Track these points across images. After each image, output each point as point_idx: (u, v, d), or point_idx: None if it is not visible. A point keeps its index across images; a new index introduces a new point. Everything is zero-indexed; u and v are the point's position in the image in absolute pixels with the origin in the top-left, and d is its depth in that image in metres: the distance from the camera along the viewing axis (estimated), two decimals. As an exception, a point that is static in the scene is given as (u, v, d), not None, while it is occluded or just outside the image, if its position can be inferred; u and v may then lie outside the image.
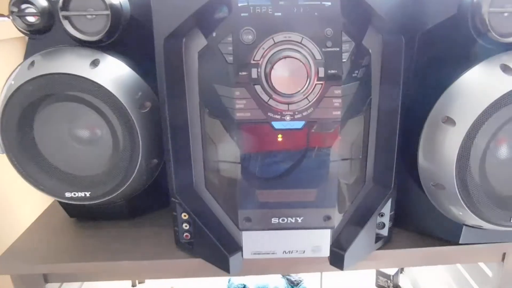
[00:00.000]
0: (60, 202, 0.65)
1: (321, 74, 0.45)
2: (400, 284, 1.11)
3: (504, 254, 0.62)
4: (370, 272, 1.13)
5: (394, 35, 0.50)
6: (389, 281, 1.09)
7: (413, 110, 0.54)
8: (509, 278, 0.64)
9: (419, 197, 0.58)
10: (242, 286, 1.05)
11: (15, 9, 0.55)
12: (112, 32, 0.56)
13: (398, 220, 0.61)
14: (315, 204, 0.50)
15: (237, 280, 1.06)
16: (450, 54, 0.53)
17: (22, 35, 0.59)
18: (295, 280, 1.08)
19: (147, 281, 1.14)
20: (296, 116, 0.46)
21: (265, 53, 0.44)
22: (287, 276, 1.09)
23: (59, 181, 0.58)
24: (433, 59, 0.55)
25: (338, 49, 0.44)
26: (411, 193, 0.59)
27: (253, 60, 0.44)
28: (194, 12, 0.45)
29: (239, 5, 0.45)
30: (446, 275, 0.86)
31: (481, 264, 0.71)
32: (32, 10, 0.55)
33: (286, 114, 0.46)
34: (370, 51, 0.49)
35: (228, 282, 1.08)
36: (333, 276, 1.13)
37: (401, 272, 1.15)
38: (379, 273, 1.10)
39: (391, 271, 1.09)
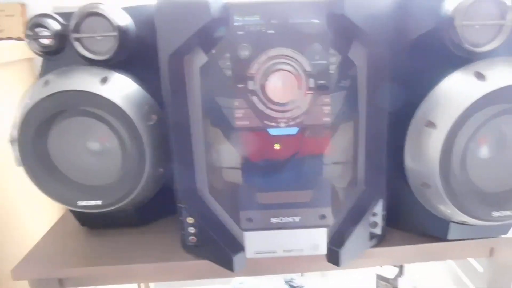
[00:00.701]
0: (72, 212, 0.69)
1: (311, 84, 0.49)
2: (400, 287, 1.14)
3: (491, 249, 0.66)
4: (370, 276, 1.17)
5: (378, 48, 0.54)
6: (388, 285, 1.12)
7: (399, 115, 0.58)
8: (498, 272, 0.68)
9: (408, 196, 0.62)
10: (246, 293, 1.08)
11: (31, 33, 0.60)
12: (120, 52, 0.61)
13: (391, 219, 0.65)
14: (311, 204, 0.54)
15: (241, 287, 1.09)
16: (431, 63, 0.58)
17: (30, 56, 0.64)
18: (297, 286, 1.11)
19: (151, 286, 1.17)
20: (290, 123, 0.51)
21: (260, 67, 0.49)
22: (289, 282, 1.13)
23: (72, 190, 0.62)
24: (416, 69, 0.59)
25: (325, 62, 0.49)
26: (401, 193, 0.63)
27: (250, 73, 0.49)
28: (195, 32, 0.50)
29: (235, 24, 0.50)
30: (443, 278, 0.90)
31: (473, 262, 0.75)
32: (46, 33, 0.60)
33: (281, 121, 0.51)
34: (355, 63, 0.54)
35: (232, 289, 1.11)
36: (334, 280, 1.17)
37: (400, 276, 1.18)
38: (379, 277, 1.14)
39: (390, 274, 1.12)
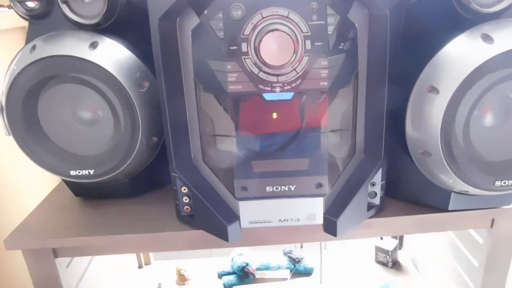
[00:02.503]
0: (65, 182, 0.68)
1: (308, 46, 0.47)
2: (399, 259, 1.14)
3: (493, 220, 0.65)
4: (369, 248, 1.16)
5: (379, 9, 0.51)
6: (388, 257, 1.12)
7: (401, 81, 0.56)
8: (498, 243, 0.66)
9: (409, 166, 0.61)
10: (245, 264, 1.08)
11: (16, -5, 0.58)
12: (109, 15, 0.58)
13: (390, 189, 0.64)
14: (307, 172, 0.53)
15: (240, 259, 1.09)
16: (435, 26, 0.55)
17: (22, 24, 0.61)
18: (296, 258, 1.11)
19: (153, 262, 1.18)
20: (285, 88, 0.48)
21: (254, 28, 0.46)
22: (288, 254, 1.13)
23: (63, 160, 0.61)
24: (419, 32, 0.56)
25: (323, 22, 0.46)
26: (401, 163, 0.61)
27: (243, 34, 0.47)
28: (186, -9, 0.47)
29: (229, -17, 0.47)
30: (442, 250, 0.89)
31: (473, 233, 0.73)
32: (31, -5, 0.58)
33: (276, 86, 0.48)
34: (356, 24, 0.51)
35: (232, 261, 1.11)
36: (333, 253, 1.17)
37: (400, 248, 1.18)
38: (378, 249, 1.13)
39: (390, 246, 1.12)
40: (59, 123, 0.61)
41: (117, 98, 0.58)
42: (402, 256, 1.15)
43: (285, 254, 1.13)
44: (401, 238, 1.18)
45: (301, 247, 1.18)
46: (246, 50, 0.47)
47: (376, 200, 0.61)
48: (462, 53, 0.51)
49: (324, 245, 1.12)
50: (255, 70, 0.47)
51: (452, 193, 0.61)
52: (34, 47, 0.57)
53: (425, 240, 1.05)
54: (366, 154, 0.59)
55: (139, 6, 0.59)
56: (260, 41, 0.45)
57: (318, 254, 1.06)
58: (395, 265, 1.13)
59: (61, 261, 0.64)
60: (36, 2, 0.58)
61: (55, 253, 0.62)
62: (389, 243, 1.13)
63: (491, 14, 0.52)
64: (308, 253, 1.12)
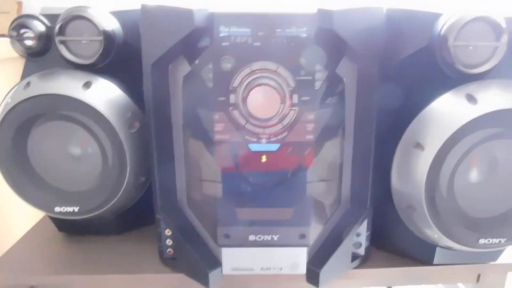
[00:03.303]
0: (50, 217, 0.68)
1: (295, 100, 0.48)
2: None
3: (478, 275, 0.64)
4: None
5: (368, 65, 0.53)
6: (376, 302, 1.10)
7: (388, 135, 0.57)
8: (484, 299, 0.66)
9: (394, 218, 0.61)
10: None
11: (14, 33, 0.59)
12: (105, 56, 0.60)
13: (376, 240, 0.63)
14: (291, 222, 0.53)
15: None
16: (422, 83, 0.57)
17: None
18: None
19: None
20: (271, 139, 0.49)
21: (242, 80, 0.47)
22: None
23: (49, 195, 0.61)
24: (406, 87, 0.57)
25: (311, 77, 0.48)
26: (387, 214, 0.61)
27: (232, 86, 0.48)
28: (178, 41, 0.49)
29: (221, 35, 0.49)
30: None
31: (461, 285, 0.73)
32: (30, 34, 0.59)
33: (262, 137, 0.49)
34: (344, 79, 0.52)
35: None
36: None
37: (389, 293, 1.16)
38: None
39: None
40: (48, 159, 0.61)
41: (106, 137, 0.58)
42: (390, 302, 1.13)
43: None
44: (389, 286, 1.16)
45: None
46: (234, 102, 0.48)
47: (361, 251, 0.61)
48: (447, 112, 0.52)
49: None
50: (242, 122, 0.48)
51: (437, 248, 0.60)
52: (28, 84, 0.58)
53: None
54: (352, 204, 0.59)
55: (135, 47, 0.60)
56: (248, 94, 0.46)
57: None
58: (384, 311, 1.11)
59: (38, 299, 0.63)
60: (34, 41, 0.59)
61: (33, 290, 0.61)
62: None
63: (476, 74, 0.53)
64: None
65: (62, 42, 0.58)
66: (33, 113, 0.58)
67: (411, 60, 0.56)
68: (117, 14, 0.61)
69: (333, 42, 0.50)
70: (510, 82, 0.53)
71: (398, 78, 0.57)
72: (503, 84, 0.52)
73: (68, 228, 0.70)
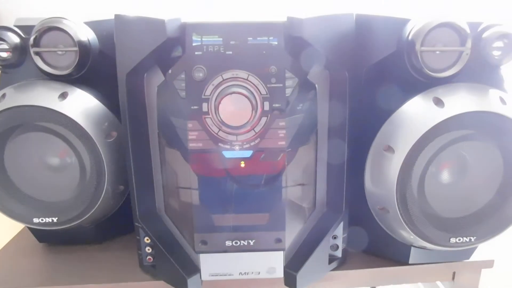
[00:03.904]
0: (29, 228, 0.67)
1: (266, 107, 0.49)
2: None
3: (454, 273, 0.66)
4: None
5: (338, 71, 0.54)
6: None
7: (361, 139, 0.58)
8: (460, 296, 0.67)
9: (370, 220, 0.62)
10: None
11: (-12, 46, 0.59)
12: (81, 67, 0.60)
13: (353, 242, 0.65)
14: (266, 227, 0.54)
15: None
16: (392, 87, 0.58)
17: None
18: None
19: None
20: (244, 146, 0.50)
21: (214, 89, 0.48)
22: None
23: (27, 207, 0.61)
24: (377, 92, 0.59)
25: (281, 85, 0.49)
26: (363, 216, 0.63)
27: (204, 95, 0.49)
28: (151, 51, 0.49)
29: (193, 44, 0.50)
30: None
31: (438, 282, 0.74)
32: (4, 46, 0.59)
33: (235, 144, 0.50)
34: (316, 85, 0.54)
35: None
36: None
37: (373, 293, 1.17)
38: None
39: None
40: (25, 170, 0.61)
41: (84, 147, 0.59)
42: (375, 302, 1.15)
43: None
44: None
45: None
46: (206, 110, 0.49)
47: (338, 253, 0.62)
48: (415, 115, 0.53)
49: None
50: (215, 129, 0.49)
51: (412, 247, 0.62)
52: (4, 96, 0.58)
53: (397, 286, 1.05)
54: (327, 207, 0.60)
55: (111, 57, 0.61)
56: (220, 102, 0.47)
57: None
58: (368, 311, 1.12)
59: (19, 311, 0.62)
60: (9, 53, 0.59)
61: (13, 303, 0.61)
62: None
63: (443, 78, 0.55)
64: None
65: (37, 53, 0.58)
66: (10, 124, 0.58)
67: (381, 65, 0.58)
68: (92, 25, 0.61)
69: (304, 49, 0.51)
70: (476, 85, 0.55)
71: (369, 83, 0.59)
72: (469, 88, 0.54)
73: (48, 238, 0.69)
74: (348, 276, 0.63)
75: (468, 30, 0.52)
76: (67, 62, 0.59)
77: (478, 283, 0.67)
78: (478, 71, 0.56)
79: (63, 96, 0.58)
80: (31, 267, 0.64)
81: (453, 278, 0.66)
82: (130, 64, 0.52)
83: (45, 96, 0.58)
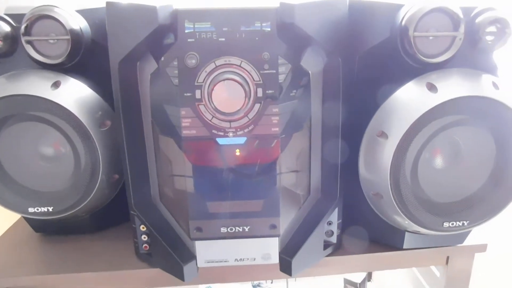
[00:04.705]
0: (25, 217, 0.68)
1: (259, 94, 0.49)
2: (368, 291, 1.15)
3: (447, 258, 0.67)
4: (337, 281, 1.17)
5: (332, 57, 0.54)
6: (356, 289, 1.13)
7: (355, 125, 0.58)
8: (453, 279, 0.68)
9: (364, 205, 0.62)
10: (213, 297, 1.07)
11: (-21, 35, 0.58)
12: (73, 56, 0.59)
13: (348, 228, 0.65)
14: (261, 214, 0.54)
15: (208, 292, 1.09)
16: (386, 73, 0.58)
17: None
18: (265, 290, 1.11)
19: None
20: (238, 133, 0.50)
21: (207, 76, 0.48)
22: (257, 287, 1.12)
23: (22, 197, 0.61)
24: (371, 78, 0.59)
25: (274, 71, 0.49)
26: (357, 202, 0.63)
27: (197, 82, 0.49)
28: (143, 38, 0.49)
29: (186, 31, 0.49)
30: (406, 282, 0.90)
31: (432, 267, 0.75)
32: (-5, 35, 0.58)
33: (229, 131, 0.50)
34: (309, 72, 0.54)
35: (200, 294, 1.10)
36: (302, 285, 1.17)
37: (368, 280, 1.18)
38: (347, 282, 1.14)
39: (358, 279, 1.13)
40: (19, 160, 0.61)
41: (78, 137, 0.59)
42: (370, 288, 1.16)
43: (253, 286, 1.13)
44: (369, 271, 1.19)
45: (272, 281, 1.18)
46: (199, 97, 0.49)
47: (333, 239, 0.62)
48: (409, 101, 0.54)
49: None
50: (209, 116, 0.49)
51: (406, 233, 0.62)
52: (-4, 85, 0.58)
53: (392, 272, 1.06)
54: (322, 193, 0.60)
55: (104, 46, 0.60)
56: (213, 89, 0.47)
57: (286, 286, 1.06)
58: (364, 298, 1.13)
59: (16, 300, 0.63)
60: (0, 42, 0.59)
61: (10, 292, 0.61)
62: (357, 276, 1.13)
63: (436, 64, 0.55)
64: (277, 286, 1.12)
65: (29, 42, 0.58)
66: (2, 114, 0.57)
67: (374, 51, 0.58)
68: (84, 13, 0.61)
69: (296, 35, 0.51)
70: (469, 70, 0.55)
71: (363, 69, 0.59)
72: (462, 72, 0.54)
73: (44, 228, 0.70)
74: (343, 261, 0.64)
75: (461, 15, 0.52)
76: (59, 51, 0.59)
77: (471, 267, 0.67)
78: (471, 57, 0.56)
79: (56, 85, 0.58)
80: (27, 256, 0.65)
81: (447, 262, 0.67)
82: (123, 52, 0.51)
83: (37, 85, 0.58)
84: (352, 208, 0.64)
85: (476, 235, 0.66)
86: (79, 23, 0.59)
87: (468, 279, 0.68)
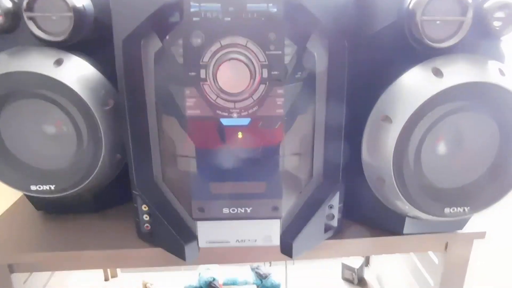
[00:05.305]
0: (27, 196, 0.68)
1: (265, 75, 0.48)
2: (365, 276, 1.16)
3: (446, 244, 0.67)
4: (336, 265, 1.18)
5: (338, 40, 0.53)
6: (354, 274, 1.14)
7: (359, 109, 0.58)
8: (452, 266, 0.69)
9: (365, 190, 0.62)
10: (212, 279, 1.08)
11: (-20, 10, 0.58)
12: (76, 33, 0.59)
13: (349, 212, 0.65)
14: (263, 195, 0.54)
15: (207, 273, 1.09)
16: (391, 57, 0.58)
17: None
18: (263, 274, 1.12)
19: (119, 274, 1.17)
20: (242, 114, 0.50)
21: (212, 55, 0.48)
22: (256, 270, 1.13)
23: (24, 174, 0.61)
24: (376, 62, 0.59)
25: (280, 52, 0.48)
26: (359, 186, 0.63)
27: (202, 61, 0.48)
28: (150, 15, 0.48)
29: (192, 10, 0.49)
30: (404, 268, 0.91)
31: (430, 253, 0.76)
32: (-4, 10, 0.58)
33: (233, 112, 0.50)
34: (315, 54, 0.53)
35: (199, 275, 1.11)
36: (300, 269, 1.18)
37: (366, 265, 1.20)
38: (345, 266, 1.15)
39: (356, 264, 1.14)
40: (21, 137, 0.61)
41: (80, 115, 0.58)
42: (368, 274, 1.17)
43: (252, 269, 1.13)
44: (367, 256, 1.20)
45: (270, 263, 1.19)
46: (204, 77, 0.48)
47: (334, 222, 0.63)
48: (414, 85, 0.53)
49: (291, 261, 1.12)
50: (213, 96, 0.49)
51: (407, 218, 0.63)
52: (-3, 62, 0.57)
53: (389, 258, 1.07)
54: (324, 177, 0.61)
55: (106, 24, 0.59)
56: (218, 68, 0.47)
57: (285, 269, 1.07)
58: (361, 282, 1.15)
59: (18, 277, 0.63)
60: (1, 17, 0.58)
61: (11, 268, 0.61)
62: (355, 261, 1.14)
63: (443, 49, 0.54)
64: (276, 269, 1.13)
65: (31, 18, 0.57)
66: (4, 91, 0.57)
67: (380, 35, 0.57)
68: (87, -10, 0.60)
69: (303, 16, 0.50)
70: (475, 56, 0.54)
71: (368, 53, 0.58)
72: (468, 58, 0.54)
73: (46, 207, 0.70)
74: (343, 245, 0.64)
75: (469, 0, 0.52)
76: (61, 28, 0.58)
77: (470, 253, 0.68)
78: (478, 42, 0.55)
79: (58, 62, 0.57)
80: (29, 234, 0.65)
81: (446, 248, 0.67)
82: (127, 30, 0.51)
83: (39, 62, 0.57)
84: (353, 191, 0.64)
85: (475, 222, 0.66)
86: (82, 1, 0.58)
87: (466, 265, 0.69)
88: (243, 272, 1.13)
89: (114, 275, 1.15)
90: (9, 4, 0.58)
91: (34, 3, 0.57)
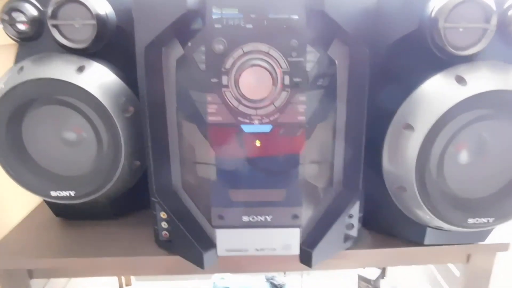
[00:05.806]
0: (46, 202, 0.68)
1: (287, 82, 0.48)
2: (381, 289, 1.14)
3: (468, 255, 0.66)
4: (352, 277, 1.16)
5: (359, 47, 0.53)
6: (370, 286, 1.12)
7: (379, 117, 0.57)
8: (474, 278, 0.67)
9: (386, 199, 0.61)
10: (226, 288, 1.07)
11: (6, 17, 0.59)
12: (98, 41, 0.60)
13: (368, 222, 0.64)
14: (283, 203, 0.54)
15: (222, 283, 1.09)
16: (413, 65, 0.57)
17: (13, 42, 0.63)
18: (278, 284, 1.11)
19: (134, 283, 1.17)
20: (263, 120, 0.50)
21: (234, 62, 0.48)
22: (270, 280, 1.12)
23: (45, 180, 0.61)
24: (398, 70, 0.58)
25: (302, 59, 0.48)
26: (379, 196, 0.62)
27: (224, 68, 0.48)
28: (172, 22, 0.49)
29: (213, 17, 0.49)
30: (422, 280, 0.89)
31: (450, 266, 0.74)
32: (22, 18, 0.59)
33: (255, 118, 0.50)
34: (336, 61, 0.53)
35: (213, 284, 1.11)
36: (316, 280, 1.16)
37: (382, 277, 1.18)
38: (361, 278, 1.13)
39: (372, 275, 1.12)
40: (43, 143, 0.61)
41: (101, 122, 0.59)
42: (384, 286, 1.15)
43: (267, 279, 1.12)
44: (384, 268, 1.18)
45: (284, 273, 1.18)
46: (226, 83, 0.48)
47: (354, 232, 0.62)
48: (437, 93, 0.53)
49: (306, 271, 1.11)
50: (235, 103, 0.49)
51: (428, 228, 0.62)
52: (22, 68, 0.58)
53: (407, 270, 1.05)
54: (344, 186, 0.60)
55: (128, 32, 0.60)
56: (240, 75, 0.47)
57: (300, 280, 1.06)
58: (377, 295, 1.13)
59: (36, 282, 0.63)
60: (27, 25, 0.59)
61: (30, 274, 0.62)
62: (372, 272, 1.13)
63: (466, 56, 0.54)
64: (291, 279, 1.12)
65: (55, 26, 0.58)
66: (27, 98, 0.58)
67: (402, 43, 0.57)
68: (110, -2, 0.61)
69: (325, 24, 0.50)
70: (499, 63, 0.54)
71: (390, 60, 0.58)
72: (492, 66, 0.53)
73: (65, 213, 0.70)
74: (362, 255, 0.63)
75: (493, 7, 0.51)
76: (84, 35, 0.59)
77: (493, 266, 0.66)
78: (502, 50, 0.55)
79: (81, 69, 0.58)
80: (48, 240, 0.65)
81: (468, 260, 0.66)
82: (149, 37, 0.51)
83: (62, 69, 0.58)
84: (373, 201, 0.63)
85: (498, 234, 0.64)
86: (105, 9, 0.59)
87: (488, 278, 0.67)
88: (257, 282, 1.12)
89: (128, 284, 1.15)
90: (34, 12, 0.59)
91: (58, 11, 0.58)
